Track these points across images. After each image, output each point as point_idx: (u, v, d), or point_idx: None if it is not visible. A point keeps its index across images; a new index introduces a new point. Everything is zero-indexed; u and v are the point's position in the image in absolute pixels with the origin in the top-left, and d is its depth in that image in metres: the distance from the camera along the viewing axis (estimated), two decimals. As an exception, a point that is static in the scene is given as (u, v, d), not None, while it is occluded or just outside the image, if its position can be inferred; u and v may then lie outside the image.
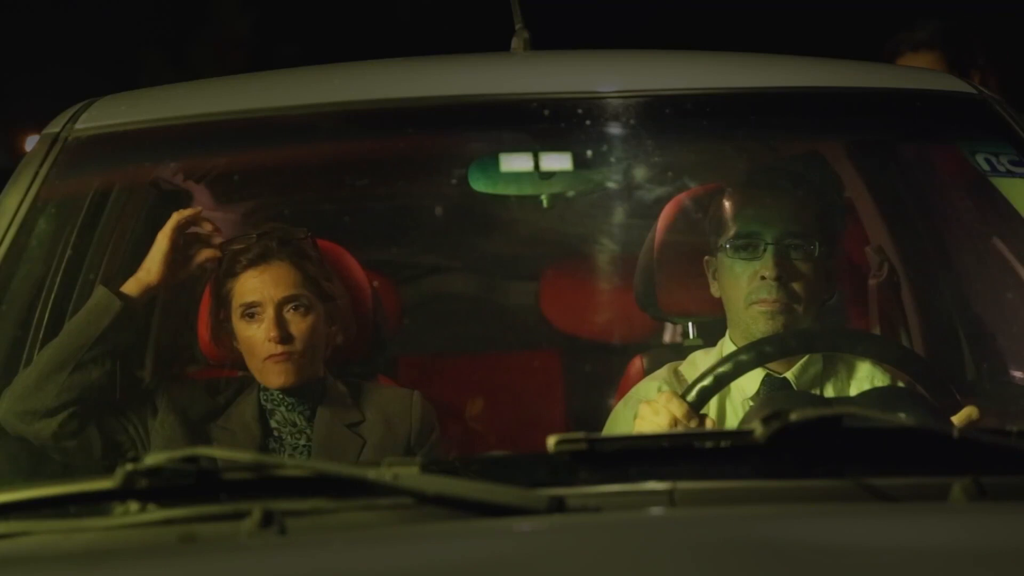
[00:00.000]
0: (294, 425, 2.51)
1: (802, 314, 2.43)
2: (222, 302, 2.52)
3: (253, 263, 2.49)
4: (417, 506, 1.50)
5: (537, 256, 3.74)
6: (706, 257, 2.55)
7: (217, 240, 2.51)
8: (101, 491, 1.55)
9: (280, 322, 2.46)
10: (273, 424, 2.52)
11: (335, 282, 2.58)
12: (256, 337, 2.47)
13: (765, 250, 2.43)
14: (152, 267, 2.43)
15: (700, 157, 2.99)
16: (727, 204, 2.52)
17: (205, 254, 2.49)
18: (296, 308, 2.48)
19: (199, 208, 2.55)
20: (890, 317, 2.91)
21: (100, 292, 2.40)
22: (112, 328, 2.37)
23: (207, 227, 2.50)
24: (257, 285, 2.48)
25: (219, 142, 2.60)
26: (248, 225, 3.16)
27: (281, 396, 2.51)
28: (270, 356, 2.46)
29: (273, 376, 2.47)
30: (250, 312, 2.48)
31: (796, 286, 2.42)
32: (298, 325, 2.47)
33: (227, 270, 2.50)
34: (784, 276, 2.41)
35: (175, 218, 2.46)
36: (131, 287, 2.42)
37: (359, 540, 1.47)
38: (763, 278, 2.41)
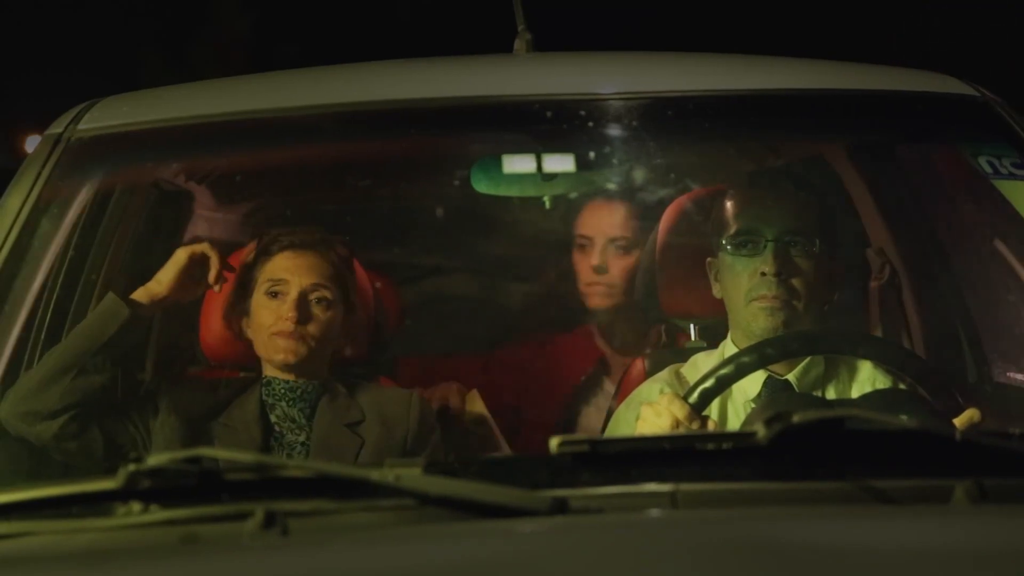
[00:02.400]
0: (293, 421, 2.52)
1: (802, 312, 2.43)
2: (247, 281, 2.54)
3: (291, 247, 2.53)
4: (419, 507, 1.50)
5: (539, 257, 3.74)
6: (708, 259, 2.55)
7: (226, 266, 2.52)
8: (103, 491, 1.55)
9: (301, 304, 2.49)
10: (273, 419, 2.52)
11: (356, 296, 2.60)
12: (272, 316, 2.49)
13: (765, 247, 2.44)
14: (164, 279, 2.46)
15: (702, 159, 3.00)
16: (728, 204, 2.53)
17: (215, 277, 2.52)
18: (319, 300, 2.51)
19: (224, 254, 2.54)
20: (892, 319, 2.91)
21: (109, 298, 2.41)
22: (118, 334, 2.38)
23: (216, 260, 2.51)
24: (289, 266, 2.52)
25: (221, 143, 2.61)
26: (249, 226, 3.16)
27: (283, 391, 2.52)
28: (280, 331, 2.48)
29: (277, 350, 2.49)
30: (274, 290, 2.51)
31: (796, 282, 2.43)
32: (316, 316, 2.50)
33: (263, 250, 2.54)
34: (784, 272, 2.41)
35: (204, 244, 2.49)
36: (140, 295, 2.45)
37: (361, 541, 1.47)
38: (763, 274, 2.42)
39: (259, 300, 2.53)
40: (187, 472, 1.54)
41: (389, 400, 2.60)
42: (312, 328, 2.49)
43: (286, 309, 2.49)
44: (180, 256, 2.47)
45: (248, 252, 2.56)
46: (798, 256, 2.44)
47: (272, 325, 2.49)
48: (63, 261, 2.50)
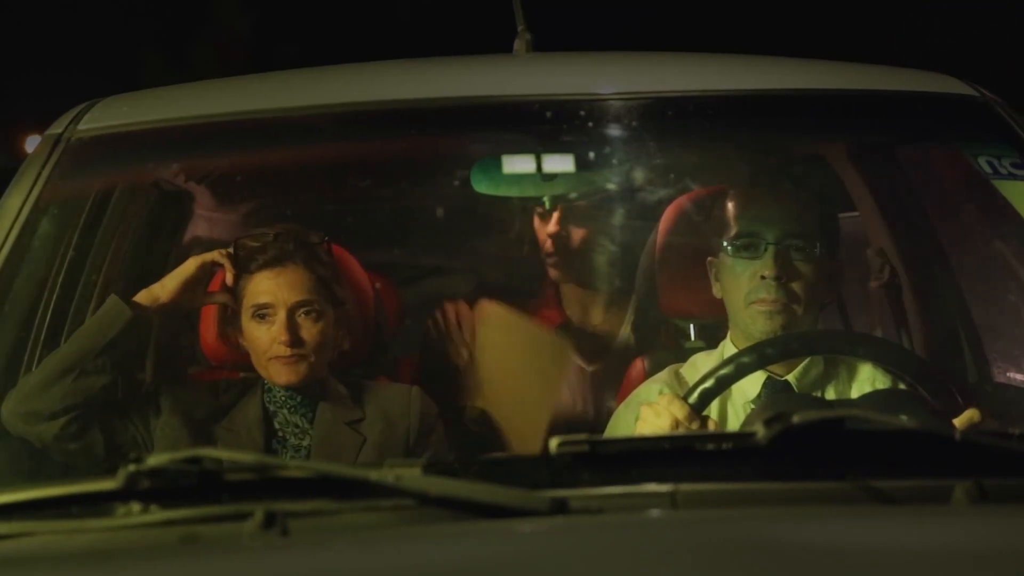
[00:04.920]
0: (296, 426, 2.52)
1: (801, 315, 2.43)
2: (233, 300, 2.53)
3: (269, 264, 2.49)
4: (419, 507, 1.50)
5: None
6: (709, 258, 2.55)
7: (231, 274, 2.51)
8: (103, 492, 1.55)
9: (291, 326, 2.46)
10: (276, 425, 2.52)
11: (345, 288, 2.59)
12: (265, 338, 2.48)
13: (766, 250, 2.44)
14: (169, 285, 2.46)
15: (702, 159, 2.99)
16: (730, 205, 2.53)
17: (220, 297, 2.52)
18: (308, 313, 2.49)
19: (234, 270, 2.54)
20: (892, 319, 2.91)
21: (112, 300, 2.41)
22: (120, 336, 2.38)
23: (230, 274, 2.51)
24: (271, 287, 2.49)
25: (221, 143, 2.61)
26: (249, 226, 3.16)
27: (284, 398, 2.52)
28: (276, 356, 2.47)
29: (278, 374, 2.48)
30: (261, 313, 2.49)
31: (796, 286, 2.43)
32: (309, 330, 2.48)
33: (241, 268, 2.51)
34: (784, 276, 2.42)
35: (217, 254, 2.49)
36: (143, 298, 2.44)
37: (361, 541, 1.47)
38: (763, 278, 2.42)
39: (248, 324, 2.51)
40: (187, 472, 1.54)
41: (389, 396, 2.59)
42: (308, 344, 2.47)
43: (277, 332, 2.46)
44: (189, 265, 2.47)
45: (227, 269, 2.51)
46: (798, 260, 2.44)
47: (267, 351, 2.48)
48: (63, 261, 2.50)
